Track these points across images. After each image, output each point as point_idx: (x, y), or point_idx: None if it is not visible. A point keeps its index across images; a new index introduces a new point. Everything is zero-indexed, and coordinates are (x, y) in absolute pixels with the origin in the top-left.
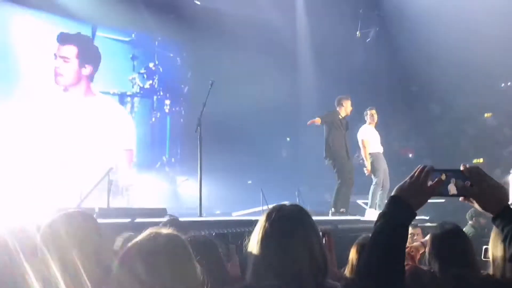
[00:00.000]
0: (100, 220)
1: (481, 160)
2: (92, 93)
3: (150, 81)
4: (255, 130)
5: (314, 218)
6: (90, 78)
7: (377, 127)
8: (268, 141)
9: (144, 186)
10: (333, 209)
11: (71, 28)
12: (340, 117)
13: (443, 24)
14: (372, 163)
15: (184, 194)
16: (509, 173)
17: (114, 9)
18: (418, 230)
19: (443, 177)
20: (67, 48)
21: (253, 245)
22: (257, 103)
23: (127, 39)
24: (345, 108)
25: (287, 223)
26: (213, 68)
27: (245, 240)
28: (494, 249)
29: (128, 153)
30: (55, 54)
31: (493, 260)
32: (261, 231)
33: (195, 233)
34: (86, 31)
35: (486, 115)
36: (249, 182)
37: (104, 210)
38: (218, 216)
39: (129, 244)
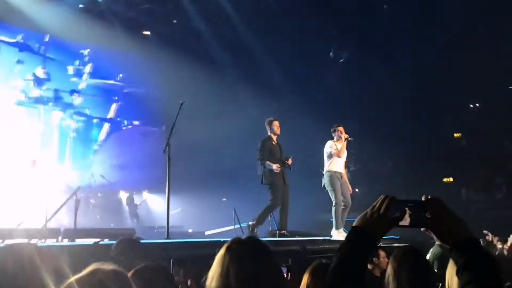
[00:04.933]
0: (65, 241)
1: (451, 179)
2: None
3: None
4: (229, 148)
5: (282, 239)
6: None
7: (350, 147)
8: (242, 158)
9: (116, 205)
10: (253, 228)
11: None
12: (274, 143)
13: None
14: (329, 182)
15: (157, 213)
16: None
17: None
18: (382, 253)
19: (406, 209)
20: None
21: (212, 278)
22: (230, 122)
23: (12, 40)
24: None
25: (245, 258)
26: (185, 89)
27: (204, 270)
28: (449, 280)
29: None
30: None
31: None
32: (219, 266)
33: (152, 261)
34: None
35: (455, 135)
36: (224, 199)
37: (70, 230)
38: (189, 236)
39: (70, 280)
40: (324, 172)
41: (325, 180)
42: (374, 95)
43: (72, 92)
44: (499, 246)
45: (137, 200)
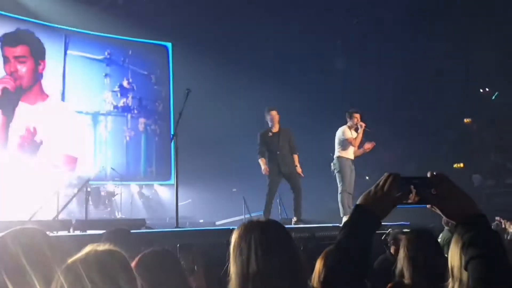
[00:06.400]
0: (76, 232)
1: (461, 164)
2: (45, 94)
3: (124, 99)
4: (239, 137)
5: (291, 226)
6: (42, 76)
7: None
8: (252, 148)
9: (126, 196)
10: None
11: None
12: (270, 134)
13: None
14: (339, 168)
15: (168, 204)
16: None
17: (89, 17)
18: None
19: (410, 187)
20: (20, 49)
21: (232, 260)
22: (239, 111)
23: (100, 57)
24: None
25: (262, 236)
26: (191, 82)
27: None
28: (452, 257)
29: (69, 159)
30: (6, 56)
31: (451, 269)
32: (236, 247)
33: (158, 246)
34: (59, 45)
35: (465, 120)
36: (234, 190)
37: (81, 222)
38: (199, 226)
39: (69, 261)
40: (334, 157)
41: (335, 166)
42: (384, 81)
43: (156, 99)
44: (511, 230)
45: (147, 192)
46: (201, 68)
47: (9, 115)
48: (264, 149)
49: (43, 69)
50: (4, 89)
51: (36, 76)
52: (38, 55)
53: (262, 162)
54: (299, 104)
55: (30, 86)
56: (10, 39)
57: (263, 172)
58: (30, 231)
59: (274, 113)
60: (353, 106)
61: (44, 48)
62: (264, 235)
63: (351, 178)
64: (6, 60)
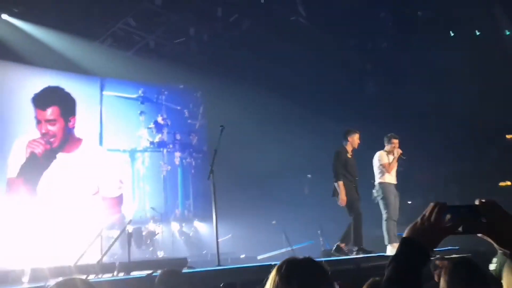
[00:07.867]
0: (120, 275)
1: (508, 182)
2: (78, 139)
3: (159, 135)
4: (275, 169)
5: (335, 258)
6: (73, 129)
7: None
8: (289, 178)
9: (167, 235)
10: (355, 247)
11: (77, 85)
12: (350, 156)
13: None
14: (382, 194)
15: (209, 240)
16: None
17: (123, 63)
18: (445, 263)
19: (459, 215)
20: (50, 111)
21: None
22: (275, 143)
23: (134, 95)
24: (352, 143)
25: (297, 279)
26: (223, 116)
27: None
28: (510, 286)
29: (113, 201)
30: (38, 119)
31: None
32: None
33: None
34: (94, 88)
35: (507, 136)
36: (274, 222)
37: (124, 264)
38: (241, 261)
39: None
40: (376, 184)
41: (378, 192)
42: (421, 101)
43: (189, 132)
44: None
45: (188, 229)
46: (235, 101)
47: (34, 182)
48: (342, 168)
49: (73, 124)
50: (32, 154)
51: (67, 132)
52: (68, 113)
53: (343, 189)
54: (334, 131)
55: (62, 143)
56: (41, 101)
57: (341, 202)
58: (73, 284)
59: (358, 136)
60: (391, 132)
61: (74, 103)
62: (291, 275)
63: (395, 204)
64: (38, 121)
